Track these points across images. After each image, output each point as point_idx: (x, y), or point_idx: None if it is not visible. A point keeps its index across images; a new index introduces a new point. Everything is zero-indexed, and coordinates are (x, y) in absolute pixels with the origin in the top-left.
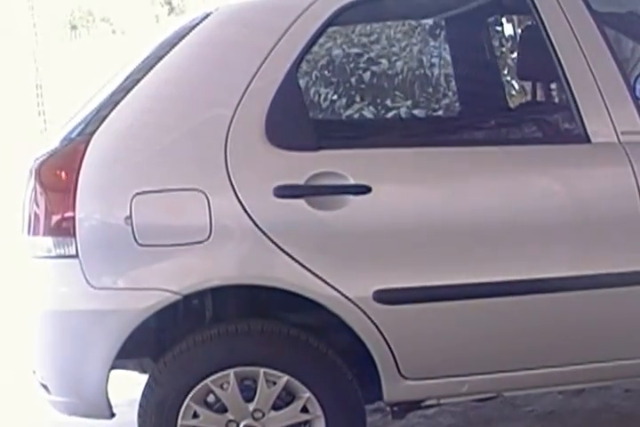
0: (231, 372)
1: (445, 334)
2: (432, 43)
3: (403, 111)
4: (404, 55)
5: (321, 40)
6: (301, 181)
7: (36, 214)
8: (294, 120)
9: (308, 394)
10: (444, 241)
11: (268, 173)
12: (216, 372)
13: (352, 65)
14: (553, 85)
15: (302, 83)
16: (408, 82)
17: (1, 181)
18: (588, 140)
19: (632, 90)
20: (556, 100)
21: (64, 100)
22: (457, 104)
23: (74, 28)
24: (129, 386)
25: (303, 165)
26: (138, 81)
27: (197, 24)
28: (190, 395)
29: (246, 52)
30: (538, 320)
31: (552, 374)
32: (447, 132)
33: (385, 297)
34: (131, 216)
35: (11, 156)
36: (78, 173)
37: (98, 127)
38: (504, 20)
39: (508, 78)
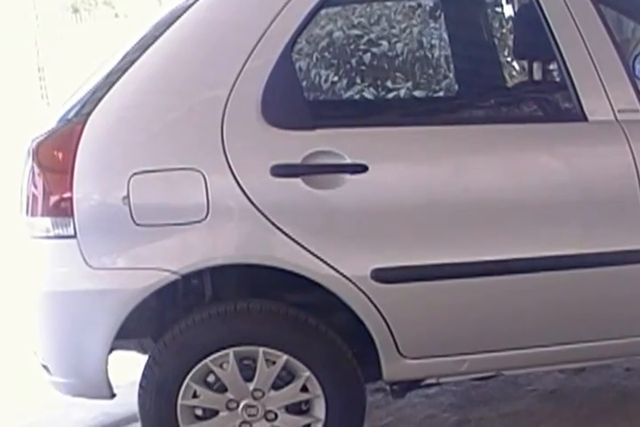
0: (231, 351)
1: (444, 313)
2: (430, 22)
3: (399, 90)
4: (402, 34)
5: (316, 19)
6: (298, 160)
7: (33, 195)
8: (290, 99)
9: (307, 373)
10: (441, 220)
11: (265, 152)
12: (216, 351)
13: (348, 44)
14: (550, 64)
15: (298, 62)
16: (405, 61)
17: (5, 163)
18: (585, 119)
19: (629, 68)
20: (553, 78)
21: (67, 84)
22: (454, 83)
23: (76, 11)
24: (129, 367)
25: (300, 144)
26: (134, 61)
27: (193, 4)
28: (190, 375)
29: (241, 31)
30: (538, 299)
31: (553, 353)
32: (444, 111)
33: (383, 276)
34: (128, 196)
35: (14, 138)
36: (75, 154)
37: (94, 108)
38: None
39: (508, 58)
